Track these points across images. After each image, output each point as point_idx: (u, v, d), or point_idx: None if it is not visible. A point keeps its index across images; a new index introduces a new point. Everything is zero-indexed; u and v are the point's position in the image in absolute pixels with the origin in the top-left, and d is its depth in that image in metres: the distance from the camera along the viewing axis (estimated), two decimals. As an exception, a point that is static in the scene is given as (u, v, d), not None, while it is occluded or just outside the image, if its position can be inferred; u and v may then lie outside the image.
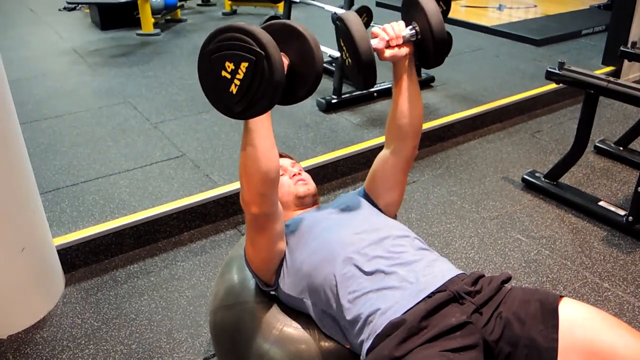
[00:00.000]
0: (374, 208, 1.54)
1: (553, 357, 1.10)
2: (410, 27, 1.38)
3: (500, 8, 6.13)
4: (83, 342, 1.93)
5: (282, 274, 1.40)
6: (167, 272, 2.27)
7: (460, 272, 1.30)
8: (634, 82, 2.61)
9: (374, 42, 1.34)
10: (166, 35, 5.24)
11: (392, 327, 1.14)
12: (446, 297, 1.19)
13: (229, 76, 1.09)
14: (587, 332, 1.11)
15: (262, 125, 1.22)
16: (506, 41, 4.92)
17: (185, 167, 2.82)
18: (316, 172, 2.81)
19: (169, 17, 5.65)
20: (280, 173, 1.64)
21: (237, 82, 1.08)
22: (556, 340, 1.11)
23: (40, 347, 1.92)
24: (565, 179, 2.75)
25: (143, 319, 2.03)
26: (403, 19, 1.42)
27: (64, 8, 6.14)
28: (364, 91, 3.57)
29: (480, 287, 1.24)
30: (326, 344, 1.36)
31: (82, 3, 5.41)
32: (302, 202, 1.59)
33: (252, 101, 1.09)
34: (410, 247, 1.35)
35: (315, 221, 1.44)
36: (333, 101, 3.43)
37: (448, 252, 2.33)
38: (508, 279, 1.28)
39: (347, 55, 1.35)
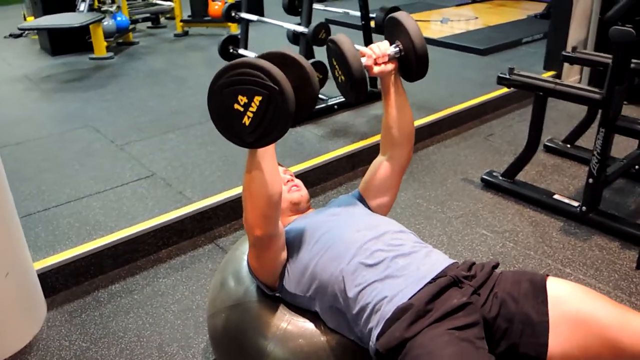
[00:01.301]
0: (367, 209, 1.65)
1: (545, 329, 1.24)
2: (394, 45, 1.53)
3: (444, 21, 6.42)
4: (73, 363, 1.95)
5: (285, 275, 1.48)
6: (149, 289, 2.29)
7: (454, 260, 1.42)
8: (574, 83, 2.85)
9: (363, 60, 1.48)
10: (120, 59, 5.23)
11: (401, 312, 1.24)
12: (447, 282, 1.30)
13: (241, 109, 1.15)
14: (573, 304, 1.25)
15: (268, 150, 1.30)
16: (453, 52, 5.17)
17: (157, 185, 2.85)
18: (287, 184, 2.90)
19: (121, 40, 5.64)
20: None
21: (250, 115, 1.15)
22: (547, 314, 1.25)
23: (29, 371, 1.92)
24: (520, 177, 2.94)
25: (132, 336, 2.05)
26: (386, 38, 1.57)
27: (10, 35, 6.03)
28: (325, 105, 3.70)
29: (475, 272, 1.37)
30: (330, 338, 1.44)
31: (34, 29, 5.33)
32: (297, 207, 1.68)
33: (265, 132, 1.17)
34: (407, 241, 1.46)
35: (317, 224, 1.53)
36: (296, 115, 3.53)
37: (420, 251, 2.46)
38: (497, 265, 1.41)
39: (340, 73, 1.48)
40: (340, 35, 1.46)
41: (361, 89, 1.44)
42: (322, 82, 3.38)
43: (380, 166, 1.67)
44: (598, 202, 2.54)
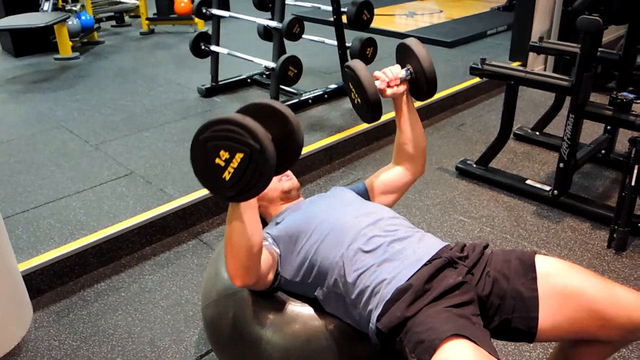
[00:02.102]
0: (364, 199, 1.71)
1: (535, 304, 1.31)
2: (405, 69, 1.65)
3: (409, 15, 6.52)
4: (65, 362, 1.94)
5: (282, 265, 1.52)
6: (136, 286, 2.30)
7: (446, 243, 1.48)
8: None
9: (377, 84, 1.60)
10: (86, 58, 5.15)
11: (400, 292, 1.30)
12: (442, 263, 1.36)
13: (222, 164, 1.16)
14: (560, 279, 1.32)
15: (250, 202, 1.31)
16: (420, 45, 5.26)
17: (137, 183, 2.85)
18: (267, 178, 2.93)
19: (86, 40, 5.54)
20: None
21: (231, 170, 1.16)
22: (536, 289, 1.32)
23: (20, 372, 1.90)
24: (493, 164, 3.04)
25: (122, 333, 2.06)
26: (398, 62, 1.70)
27: (-31, 36, 5.85)
28: (299, 99, 3.74)
29: (467, 253, 1.44)
30: (328, 322, 1.48)
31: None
32: (288, 196, 1.74)
33: (244, 188, 1.18)
34: (401, 226, 1.51)
35: (313, 213, 1.57)
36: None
37: (402, 238, 2.52)
38: (487, 246, 1.48)
39: (356, 96, 1.61)
40: (355, 62, 1.59)
41: (377, 111, 1.57)
42: (297, 76, 3.42)
43: (394, 171, 1.77)
44: (569, 186, 2.66)
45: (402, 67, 1.66)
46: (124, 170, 2.98)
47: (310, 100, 3.75)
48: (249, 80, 4.22)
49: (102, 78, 4.55)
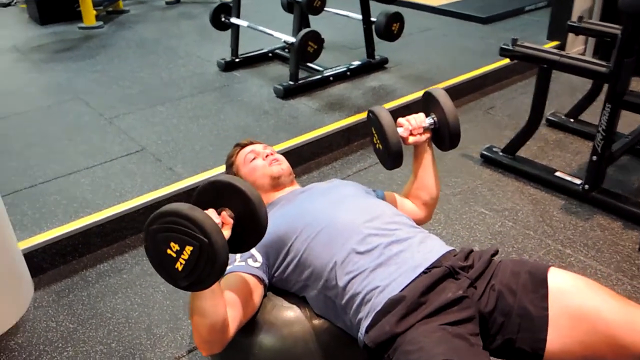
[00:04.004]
0: (367, 193, 1.60)
1: (544, 324, 1.17)
2: (430, 118, 1.62)
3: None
4: (60, 344, 1.89)
5: (273, 263, 1.41)
6: (138, 268, 2.24)
7: (451, 248, 1.35)
8: (579, 55, 2.73)
9: (400, 131, 1.57)
10: (110, 28, 5.07)
11: (392, 304, 1.18)
12: (442, 273, 1.23)
13: (174, 255, 1.11)
14: (575, 298, 1.18)
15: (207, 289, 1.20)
16: (453, 20, 5.02)
17: (147, 161, 2.77)
18: (281, 159, 2.82)
19: (110, 9, 5.46)
20: (253, 157, 1.66)
21: (183, 262, 1.11)
22: (546, 308, 1.18)
23: (17, 353, 1.87)
24: (521, 152, 2.86)
25: (120, 317, 2.00)
26: (423, 110, 1.66)
27: (-2, 4, 5.86)
28: (320, 76, 3.59)
29: (472, 261, 1.30)
30: (318, 324, 1.38)
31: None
32: (278, 182, 1.62)
33: (197, 279, 1.12)
34: (403, 226, 1.39)
35: (305, 209, 1.46)
36: (290, 87, 3.43)
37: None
38: (496, 252, 1.34)
39: (378, 141, 1.60)
40: (379, 109, 1.57)
41: (397, 160, 1.55)
42: (317, 52, 3.27)
43: (410, 203, 1.72)
44: (601, 180, 2.47)
45: (427, 116, 1.63)
46: (136, 147, 2.91)
47: (331, 78, 3.60)
48: (270, 54, 4.08)
49: (123, 49, 4.47)
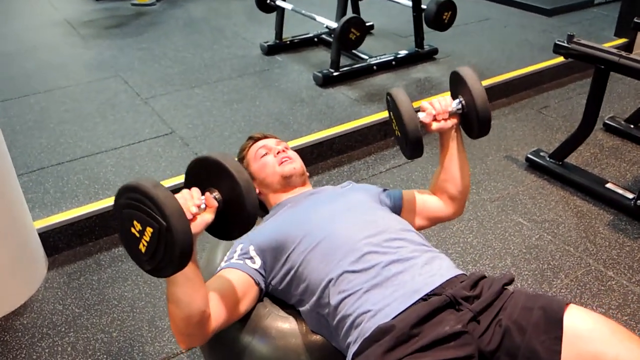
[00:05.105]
0: (376, 202, 1.44)
1: None
2: (457, 101, 1.41)
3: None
4: (63, 329, 1.87)
5: (266, 281, 1.31)
6: (152, 255, 2.19)
7: (460, 272, 1.20)
8: (647, 55, 2.46)
9: (421, 116, 1.39)
10: (162, 5, 5.07)
11: (381, 333, 1.05)
12: (442, 302, 1.08)
13: (137, 235, 1.01)
14: (594, 345, 1.01)
15: (180, 274, 1.07)
16: (515, 11, 4.72)
17: (174, 145, 2.72)
18: (310, 150, 2.71)
19: (166, -14, 5.46)
20: (264, 152, 1.55)
21: (145, 243, 1.01)
22: (559, 352, 1.01)
23: (20, 334, 1.85)
24: (571, 159, 2.63)
25: (125, 306, 1.96)
26: (451, 91, 1.47)
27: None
28: (364, 64, 3.44)
29: (480, 290, 1.14)
30: (313, 338, 1.28)
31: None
32: (289, 182, 1.49)
33: (159, 265, 1.01)
34: (409, 243, 1.24)
35: (307, 217, 1.34)
36: (330, 75, 3.29)
37: (445, 235, 2.23)
38: (511, 281, 1.18)
39: (397, 128, 1.42)
40: (397, 91, 1.39)
41: (416, 148, 1.37)
42: (360, 40, 3.11)
43: (435, 199, 1.52)
44: (657, 196, 2.23)
45: (454, 99, 1.43)
46: (166, 129, 2.86)
47: (375, 67, 3.44)
48: (315, 39, 3.95)
49: (171, 27, 4.45)
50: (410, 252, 1.21)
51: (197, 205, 1.08)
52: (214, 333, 1.18)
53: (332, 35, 3.38)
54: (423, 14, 3.38)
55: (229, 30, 4.33)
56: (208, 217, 1.09)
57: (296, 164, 1.52)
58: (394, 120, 1.44)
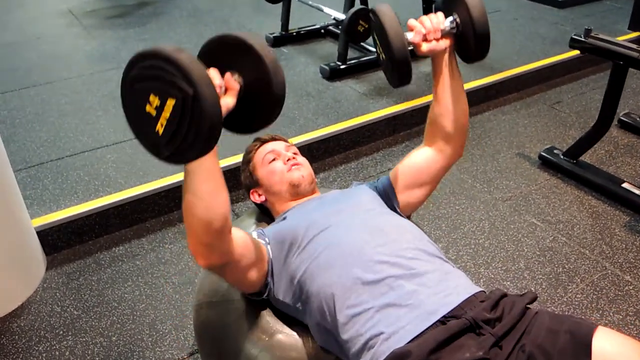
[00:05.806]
0: (384, 206, 1.36)
1: None
2: (451, 18, 1.24)
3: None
4: (61, 332, 1.81)
5: (273, 278, 1.24)
6: (153, 255, 2.13)
7: (478, 289, 1.12)
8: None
9: (410, 36, 1.22)
10: (166, -5, 4.99)
11: (396, 358, 0.98)
12: (461, 326, 1.01)
13: (154, 112, 0.88)
14: None
15: (202, 165, 1.00)
16: (526, 2, 4.61)
17: (178, 140, 2.65)
18: (317, 146, 2.63)
19: (170, -25, 5.37)
20: (272, 157, 1.47)
21: (164, 122, 0.88)
22: None
23: (17, 337, 1.80)
24: (586, 157, 2.55)
25: (125, 308, 1.90)
26: (442, 9, 1.27)
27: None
28: (372, 57, 3.35)
29: (502, 311, 1.07)
30: (320, 353, 1.22)
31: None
32: (297, 190, 1.42)
33: (180, 148, 0.89)
34: (423, 254, 1.17)
35: (313, 220, 1.27)
36: (338, 68, 3.21)
37: (456, 236, 2.16)
38: (533, 300, 1.11)
39: (381, 50, 1.24)
40: (382, 7, 1.19)
41: (403, 72, 1.18)
42: (368, 32, 3.03)
43: (422, 155, 1.37)
44: (676, 197, 2.15)
45: (447, 17, 1.25)
46: (168, 123, 2.79)
47: (383, 60, 3.35)
48: (322, 31, 3.86)
49: (175, 18, 4.37)
50: (424, 265, 1.14)
51: (218, 86, 0.97)
52: (232, 259, 1.11)
53: (340, 27, 3.30)
54: (433, 5, 3.28)
55: (234, 21, 4.24)
56: (230, 100, 1.00)
57: (305, 172, 1.45)
58: (377, 42, 1.27)
